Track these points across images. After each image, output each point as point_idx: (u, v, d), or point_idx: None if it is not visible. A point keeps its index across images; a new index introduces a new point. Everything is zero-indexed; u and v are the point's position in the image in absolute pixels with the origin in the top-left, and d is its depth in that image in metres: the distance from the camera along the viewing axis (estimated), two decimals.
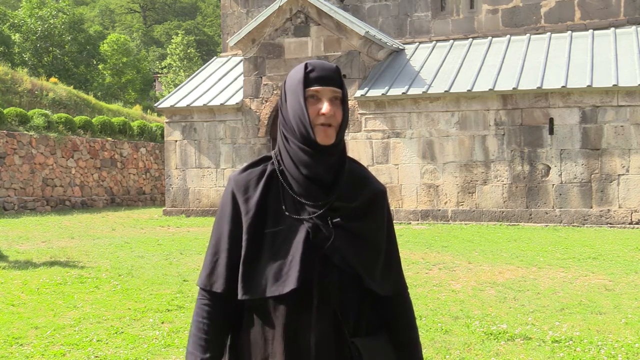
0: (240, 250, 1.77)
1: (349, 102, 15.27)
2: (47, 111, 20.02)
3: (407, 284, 1.94)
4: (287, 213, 1.76)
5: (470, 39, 16.90)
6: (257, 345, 1.78)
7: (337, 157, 1.78)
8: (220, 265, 1.80)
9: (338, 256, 1.75)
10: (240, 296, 1.76)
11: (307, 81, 1.76)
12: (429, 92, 14.59)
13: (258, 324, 1.78)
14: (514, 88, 13.89)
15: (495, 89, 14.05)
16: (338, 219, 1.75)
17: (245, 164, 1.89)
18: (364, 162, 14.92)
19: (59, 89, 25.37)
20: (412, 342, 1.91)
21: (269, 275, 1.73)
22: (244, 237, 1.77)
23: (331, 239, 1.74)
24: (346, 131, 14.11)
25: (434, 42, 17.30)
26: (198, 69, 22.28)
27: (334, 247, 1.74)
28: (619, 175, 13.35)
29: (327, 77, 1.76)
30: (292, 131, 1.75)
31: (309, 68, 1.77)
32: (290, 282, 1.71)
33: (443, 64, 15.76)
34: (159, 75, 47.50)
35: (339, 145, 1.78)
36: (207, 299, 1.83)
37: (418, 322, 5.57)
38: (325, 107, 1.73)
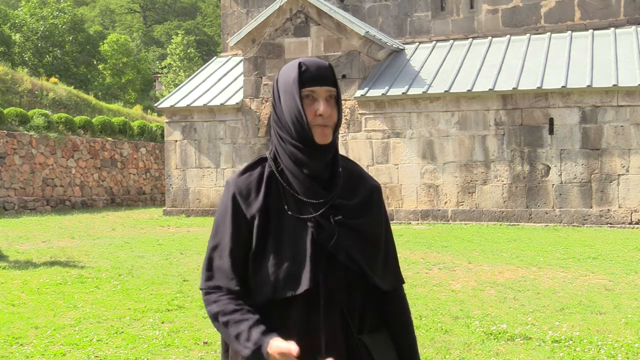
0: (245, 254, 1.77)
1: (349, 102, 15.27)
2: (47, 111, 20.01)
3: (407, 283, 1.94)
4: (289, 213, 1.77)
5: (470, 39, 16.90)
6: None
7: (332, 154, 1.79)
8: (233, 268, 1.77)
9: (343, 254, 1.75)
10: (251, 299, 1.75)
11: (302, 81, 1.74)
12: (429, 92, 14.59)
13: (266, 325, 1.78)
14: (514, 88, 13.89)
15: (495, 89, 14.06)
16: (340, 217, 1.76)
17: (241, 167, 1.89)
18: (364, 162, 14.92)
19: (59, 89, 25.36)
20: (410, 342, 1.91)
21: (279, 276, 1.72)
22: (251, 241, 1.76)
23: (335, 237, 1.74)
24: (346, 131, 14.04)
25: (434, 42, 17.30)
26: (198, 69, 22.27)
27: (338, 245, 1.75)
28: (619, 175, 13.35)
29: (322, 77, 1.75)
30: (289, 131, 1.75)
31: (303, 67, 1.75)
32: (303, 283, 1.71)
33: (443, 64, 15.76)
34: (159, 75, 47.45)
35: (334, 142, 1.79)
36: (225, 293, 1.76)
37: (418, 322, 5.60)
38: (322, 108, 1.73)
